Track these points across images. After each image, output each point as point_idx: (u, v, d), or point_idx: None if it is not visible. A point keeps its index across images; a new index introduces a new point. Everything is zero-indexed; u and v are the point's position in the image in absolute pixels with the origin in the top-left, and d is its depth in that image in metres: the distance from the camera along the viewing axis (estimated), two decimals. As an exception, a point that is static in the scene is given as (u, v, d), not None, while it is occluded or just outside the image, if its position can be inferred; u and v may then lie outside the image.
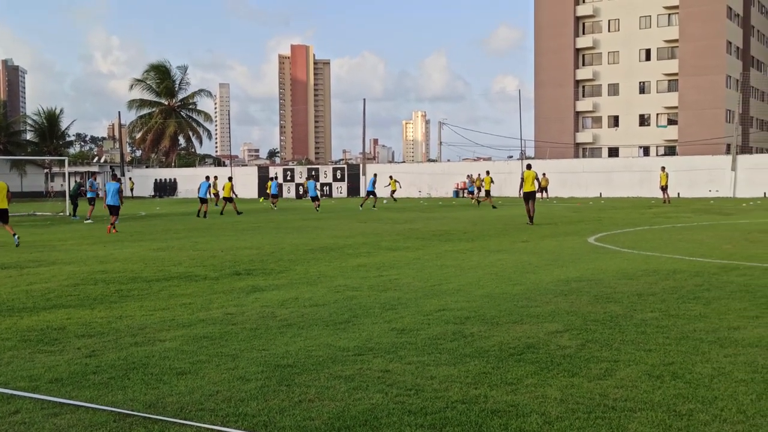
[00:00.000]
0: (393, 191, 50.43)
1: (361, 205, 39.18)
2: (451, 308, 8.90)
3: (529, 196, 23.97)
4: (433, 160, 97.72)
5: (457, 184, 60.45)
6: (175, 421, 4.91)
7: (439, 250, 16.01)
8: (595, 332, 7.44)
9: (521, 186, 24.26)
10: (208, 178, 37.08)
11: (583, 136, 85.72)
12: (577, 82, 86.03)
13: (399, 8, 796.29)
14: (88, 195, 33.80)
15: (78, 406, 5.25)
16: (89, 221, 29.69)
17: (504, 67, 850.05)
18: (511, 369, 6.09)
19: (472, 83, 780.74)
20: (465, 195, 58.75)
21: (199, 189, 34.57)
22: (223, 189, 36.14)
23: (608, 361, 6.30)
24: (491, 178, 41.71)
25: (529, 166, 25.32)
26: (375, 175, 43.07)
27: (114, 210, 24.36)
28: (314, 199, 39.13)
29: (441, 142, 76.08)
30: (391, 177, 52.68)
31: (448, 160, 74.62)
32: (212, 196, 38.32)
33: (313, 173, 66.77)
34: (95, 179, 27.65)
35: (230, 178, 37.35)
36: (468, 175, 57.06)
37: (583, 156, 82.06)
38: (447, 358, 6.47)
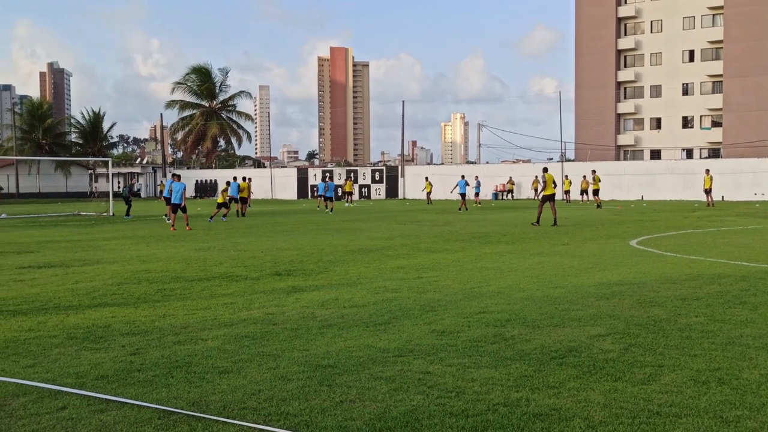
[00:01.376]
0: (428, 193, 50.49)
1: (459, 209, 39.09)
2: (492, 311, 8.86)
3: (548, 198, 24.69)
4: (472, 162, 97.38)
5: (497, 186, 60.12)
6: (218, 419, 4.96)
7: (478, 253, 15.94)
8: (639, 336, 7.34)
9: (543, 189, 24.92)
10: (235, 179, 37.37)
11: (625, 139, 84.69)
12: (619, 84, 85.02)
13: (433, 10, 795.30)
14: (165, 195, 34.02)
15: (123, 403, 5.33)
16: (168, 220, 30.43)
17: (541, 69, 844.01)
18: (553, 372, 6.04)
19: (509, 85, 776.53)
20: (506, 197, 58.45)
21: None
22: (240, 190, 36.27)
23: (652, 366, 6.21)
24: (599, 177, 41.35)
25: (546, 169, 25.92)
26: (463, 176, 43.50)
27: (180, 208, 25.82)
28: (328, 199, 39.67)
29: (480, 144, 75.81)
30: (426, 179, 52.78)
31: (487, 162, 74.33)
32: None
33: (328, 175, 66.98)
34: (177, 180, 28.23)
35: (248, 179, 37.27)
36: (509, 178, 56.92)
37: (624, 158, 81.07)
38: (488, 361, 6.44)
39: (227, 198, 32.34)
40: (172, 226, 25.39)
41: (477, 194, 48.56)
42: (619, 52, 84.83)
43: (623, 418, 4.91)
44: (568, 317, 8.39)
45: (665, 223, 25.60)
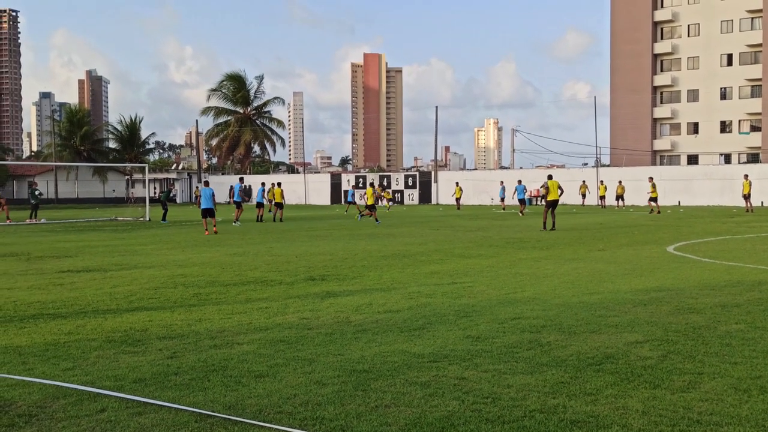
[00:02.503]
0: (458, 198, 50.43)
1: (521, 212, 39.48)
2: (527, 317, 8.80)
3: (552, 205, 25.27)
4: (506, 168, 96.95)
5: (530, 192, 59.74)
6: (255, 423, 4.98)
7: (512, 258, 15.85)
8: (677, 343, 7.23)
9: (546, 195, 25.57)
10: (263, 184, 37.75)
11: (661, 144, 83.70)
12: (655, 88, 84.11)
13: (464, 14, 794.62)
14: (235, 199, 34.58)
15: (161, 406, 5.38)
16: (237, 224, 31.53)
17: (573, 73, 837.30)
18: (590, 379, 5.98)
19: (542, 89, 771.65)
20: (540, 203, 58.06)
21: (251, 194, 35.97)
22: (273, 195, 36.48)
23: (692, 374, 6.12)
24: (655, 184, 40.43)
25: (550, 177, 26.65)
26: (520, 181, 43.62)
27: (210, 213, 26.44)
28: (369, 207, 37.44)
29: (514, 149, 75.41)
30: (456, 184, 52.81)
31: (521, 168, 73.92)
32: (267, 201, 38.81)
33: (361, 181, 67.09)
34: (244, 184, 28.89)
35: (279, 184, 37.51)
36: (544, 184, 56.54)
37: (661, 164, 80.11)
38: (524, 367, 6.39)
39: (268, 201, 33.24)
40: (206, 230, 25.93)
41: (502, 199, 48.39)
42: (655, 56, 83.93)
43: (662, 426, 4.84)
44: (604, 324, 8.30)
45: (703, 229, 25.23)
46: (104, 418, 5.15)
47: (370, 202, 33.49)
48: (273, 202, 36.84)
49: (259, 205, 35.08)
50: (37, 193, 39.37)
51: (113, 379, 6.17)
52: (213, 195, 27.06)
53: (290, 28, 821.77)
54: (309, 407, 5.33)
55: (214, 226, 26.22)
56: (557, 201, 25.41)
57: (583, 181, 53.06)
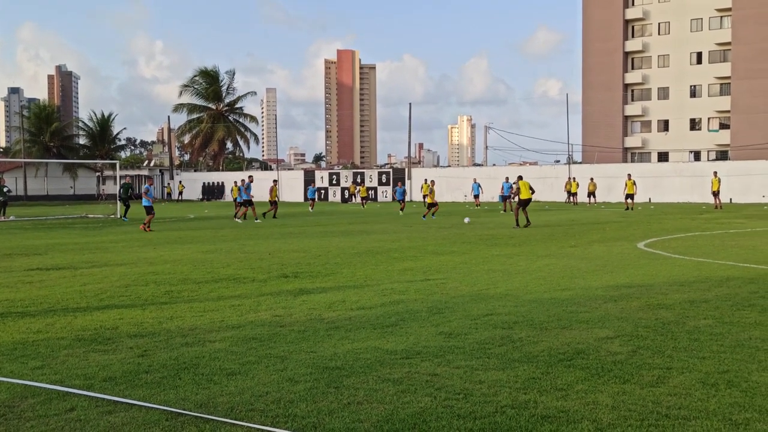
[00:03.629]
0: (425, 195, 50.61)
1: (477, 205, 39.47)
2: (499, 313, 8.85)
3: (524, 203, 25.59)
4: (479, 165, 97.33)
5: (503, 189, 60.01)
6: (226, 420, 4.96)
7: (485, 255, 15.92)
8: (647, 339, 7.32)
9: (517, 194, 25.95)
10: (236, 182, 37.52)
11: (632, 141, 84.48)
12: (626, 86, 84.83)
13: (437, 12, 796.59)
14: (244, 197, 33.05)
15: (131, 405, 5.34)
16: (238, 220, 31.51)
17: (545, 70, 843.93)
18: (560, 375, 6.03)
19: (514, 87, 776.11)
20: (513, 199, 58.35)
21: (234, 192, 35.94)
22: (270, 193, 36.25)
23: (661, 368, 6.19)
24: (634, 182, 40.27)
25: (521, 177, 27.03)
26: (507, 179, 44.08)
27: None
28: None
29: (487, 147, 75.75)
30: (425, 180, 52.98)
31: (494, 165, 74.23)
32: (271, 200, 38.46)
33: (334, 178, 67.01)
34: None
35: (275, 182, 37.58)
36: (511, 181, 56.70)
37: (632, 161, 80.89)
38: (495, 363, 6.42)
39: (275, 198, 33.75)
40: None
41: (476, 196, 48.63)
42: (626, 54, 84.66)
43: (632, 420, 4.89)
44: (575, 319, 8.37)
45: (673, 225, 25.53)
46: (74, 417, 5.09)
47: (430, 200, 32.68)
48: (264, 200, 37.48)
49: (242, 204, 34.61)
50: (5, 190, 38.79)
51: (83, 377, 6.11)
52: (146, 192, 27.09)
53: (261, 24, 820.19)
54: (281, 404, 5.32)
55: (147, 224, 25.92)
56: (529, 200, 25.64)
57: (573, 178, 52.58)
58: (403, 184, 44.49)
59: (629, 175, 42.33)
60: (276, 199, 35.53)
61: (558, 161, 72.79)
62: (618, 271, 12.80)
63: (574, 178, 52.34)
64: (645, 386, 5.68)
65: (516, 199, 26.43)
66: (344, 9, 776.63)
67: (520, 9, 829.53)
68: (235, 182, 37.39)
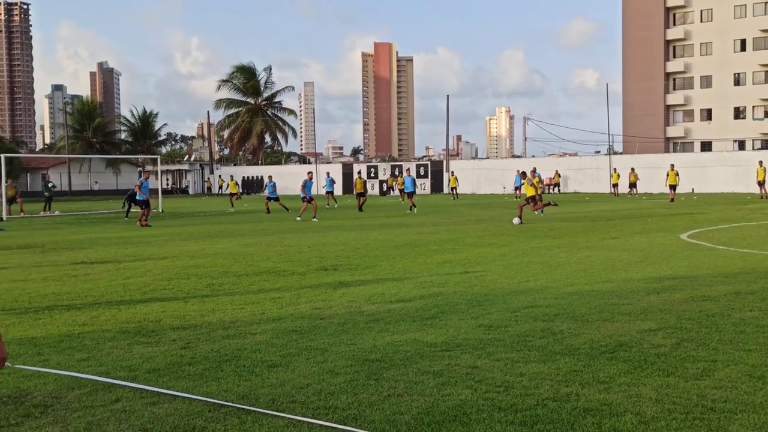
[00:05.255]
0: (453, 188, 50.43)
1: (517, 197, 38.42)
2: (539, 305, 8.78)
3: (532, 199, 24.37)
4: (518, 156, 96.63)
5: (543, 180, 59.54)
6: (268, 412, 5.00)
7: (525, 247, 15.81)
8: (691, 331, 7.20)
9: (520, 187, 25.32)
10: (270, 177, 37.25)
11: (674, 131, 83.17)
12: (668, 75, 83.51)
13: (470, 3, 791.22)
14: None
15: (175, 396, 5.41)
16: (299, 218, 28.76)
17: (582, 60, 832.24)
18: (603, 367, 5.96)
19: (550, 77, 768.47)
20: (552, 191, 57.88)
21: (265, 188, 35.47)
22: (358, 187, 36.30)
23: (705, 361, 6.09)
24: (677, 172, 39.40)
25: (534, 170, 26.99)
26: (518, 171, 43.17)
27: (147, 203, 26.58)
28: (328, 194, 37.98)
29: (526, 138, 75.14)
30: (452, 173, 52.91)
31: (533, 156, 73.67)
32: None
33: (324, 171, 66.97)
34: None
35: (359, 173, 37.51)
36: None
37: (674, 151, 79.63)
38: (536, 355, 6.38)
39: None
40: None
41: (518, 188, 48.17)
42: (667, 42, 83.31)
43: (676, 413, 4.82)
44: (617, 312, 8.27)
45: (717, 216, 25.08)
46: (119, 408, 5.18)
47: (530, 193, 30.47)
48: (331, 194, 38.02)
49: (275, 199, 34.40)
50: (50, 185, 39.57)
51: (127, 369, 6.20)
52: (141, 185, 26.80)
53: (294, 18, 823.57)
54: (322, 396, 5.34)
55: (140, 219, 26.11)
56: (534, 197, 24.33)
57: (614, 169, 51.51)
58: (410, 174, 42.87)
59: (672, 165, 41.56)
60: (363, 190, 35.11)
61: (598, 152, 71.96)
62: (661, 263, 12.61)
63: (615, 169, 51.72)
64: (689, 379, 5.59)
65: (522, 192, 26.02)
66: (376, 1, 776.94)
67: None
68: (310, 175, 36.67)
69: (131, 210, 33.03)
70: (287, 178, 69.21)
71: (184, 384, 5.74)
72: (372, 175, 68.65)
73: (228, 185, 45.62)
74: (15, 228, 26.42)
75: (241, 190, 37.09)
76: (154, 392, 5.52)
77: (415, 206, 33.81)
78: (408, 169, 43.36)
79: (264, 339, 7.25)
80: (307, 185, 29.76)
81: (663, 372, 5.80)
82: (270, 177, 37.24)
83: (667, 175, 39.50)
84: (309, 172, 32.26)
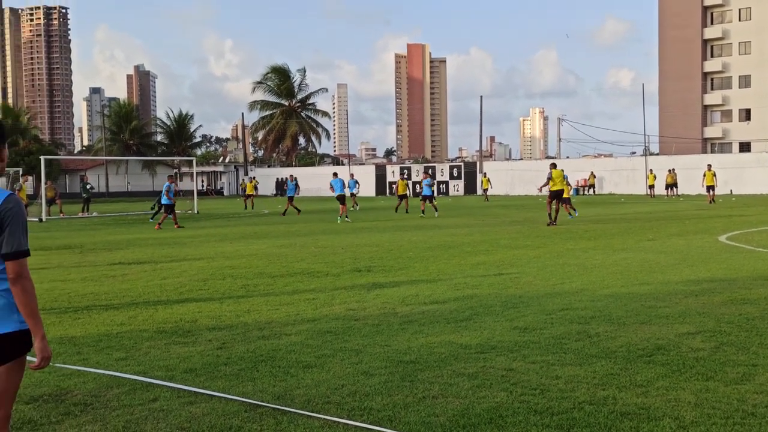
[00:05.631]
0: (485, 189, 50.15)
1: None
2: (575, 308, 8.71)
3: (556, 195, 23.28)
4: (552, 157, 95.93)
5: (578, 182, 59.09)
6: (303, 413, 5.02)
7: (560, 249, 15.70)
8: (730, 335, 7.09)
9: (546, 184, 23.54)
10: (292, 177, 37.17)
11: (712, 131, 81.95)
12: (705, 75, 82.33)
13: (503, 4, 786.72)
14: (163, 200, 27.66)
15: (211, 396, 5.46)
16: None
17: (616, 60, 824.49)
18: (640, 371, 5.90)
19: (584, 77, 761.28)
20: (587, 192, 57.41)
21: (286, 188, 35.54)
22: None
23: (746, 365, 5.99)
24: (714, 173, 38.32)
25: (554, 165, 24.36)
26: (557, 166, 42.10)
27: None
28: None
29: (560, 139, 74.63)
30: (484, 175, 52.72)
31: (567, 157, 73.10)
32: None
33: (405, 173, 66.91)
34: (173, 182, 26.63)
35: (402, 176, 36.58)
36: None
37: (712, 151, 78.46)
38: (572, 358, 6.33)
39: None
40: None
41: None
42: (705, 41, 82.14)
43: (716, 418, 4.75)
44: (655, 314, 8.17)
45: (756, 218, 24.66)
46: (157, 407, 5.24)
47: (566, 195, 27.11)
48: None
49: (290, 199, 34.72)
50: (88, 187, 40.16)
51: (165, 369, 6.27)
52: (167, 190, 26.61)
53: (326, 19, 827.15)
54: (357, 397, 5.36)
55: (159, 222, 26.09)
56: (561, 192, 23.47)
57: (672, 170, 50.42)
58: (433, 176, 40.80)
59: (709, 165, 40.66)
60: (405, 193, 34.37)
61: (634, 153, 71.20)
62: (699, 265, 12.44)
63: (651, 170, 51.12)
64: (729, 383, 5.51)
65: (546, 190, 23.91)
66: (408, 2, 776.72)
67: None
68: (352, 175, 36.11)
69: (158, 213, 32.91)
70: (320, 180, 69.43)
71: (221, 384, 5.79)
72: (405, 176, 68.65)
73: (253, 186, 45.38)
74: (54, 229, 26.86)
75: (256, 193, 36.59)
76: (191, 392, 5.57)
77: (430, 210, 31.77)
78: (427, 171, 42.55)
79: (299, 340, 7.29)
80: (336, 184, 29.51)
81: (702, 376, 5.71)
82: (291, 176, 37.34)
83: (704, 176, 38.79)
84: (334, 173, 32.40)
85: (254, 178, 53.46)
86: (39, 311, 3.54)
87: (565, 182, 24.02)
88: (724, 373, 5.77)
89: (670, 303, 8.88)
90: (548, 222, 22.87)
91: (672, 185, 47.95)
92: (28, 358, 3.63)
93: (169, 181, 27.25)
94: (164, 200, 26.69)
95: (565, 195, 26.87)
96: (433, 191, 33.33)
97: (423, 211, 30.89)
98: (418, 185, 66.18)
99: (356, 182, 39.83)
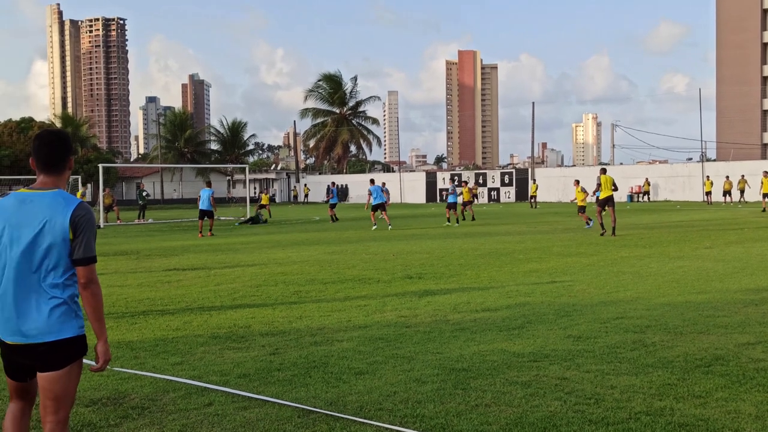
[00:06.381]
0: (533, 196, 49.49)
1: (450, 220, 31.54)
2: (630, 316, 8.57)
3: (606, 202, 21.91)
4: (606, 164, 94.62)
5: (632, 188, 58.15)
6: (356, 419, 5.04)
7: (614, 257, 15.46)
8: (793, 346, 6.89)
9: (596, 190, 22.42)
10: (333, 183, 36.96)
11: (771, 136, 79.89)
12: (765, 79, 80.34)
13: (553, 10, 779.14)
14: (331, 201, 34.99)
15: (265, 401, 5.52)
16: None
17: (670, 65, 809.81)
18: (698, 381, 5.77)
19: (637, 83, 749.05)
20: (642, 199, 56.46)
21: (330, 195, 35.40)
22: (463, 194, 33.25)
23: (809, 377, 5.82)
24: None
25: (604, 170, 23.02)
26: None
27: (208, 214, 25.86)
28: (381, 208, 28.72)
29: (614, 145, 73.55)
30: (533, 181, 52.24)
31: (621, 164, 72.01)
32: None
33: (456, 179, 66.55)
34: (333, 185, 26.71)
35: (465, 183, 35.45)
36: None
37: (772, 157, 76.47)
38: (627, 368, 6.23)
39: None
40: (200, 232, 25.47)
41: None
42: (764, 45, 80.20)
43: (778, 431, 4.62)
44: (713, 324, 7.99)
45: (819, 226, 23.93)
46: (212, 411, 5.31)
47: (580, 203, 26.52)
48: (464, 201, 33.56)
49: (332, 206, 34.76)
50: (144, 194, 40.97)
51: (219, 374, 6.36)
52: (211, 196, 25.87)
53: (375, 28, 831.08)
54: (409, 405, 5.35)
55: (210, 229, 25.73)
56: (610, 198, 21.87)
57: (742, 176, 49.08)
58: (461, 183, 38.51)
59: (765, 172, 39.34)
60: (471, 200, 33.12)
61: (690, 159, 69.80)
62: (759, 274, 12.13)
63: (708, 177, 50.02)
64: (792, 396, 5.36)
65: (595, 197, 22.69)
66: (458, 10, 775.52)
67: (640, 2, 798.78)
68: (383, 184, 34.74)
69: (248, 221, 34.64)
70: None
71: (274, 389, 5.84)
72: (456, 183, 68.45)
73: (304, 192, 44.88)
74: (111, 235, 27.45)
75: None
76: (245, 397, 5.64)
77: (459, 219, 31.27)
78: (453, 179, 41.29)
79: (351, 346, 7.31)
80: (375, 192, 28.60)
81: (763, 388, 5.57)
82: (333, 183, 37.18)
83: (761, 183, 37.43)
84: (371, 180, 31.61)
85: (306, 185, 53.76)
86: (104, 316, 3.64)
87: (613, 188, 22.16)
88: (786, 385, 5.62)
89: (728, 312, 8.67)
90: (600, 231, 21.86)
91: (728, 192, 46.70)
92: (86, 361, 3.72)
93: (208, 187, 26.91)
94: (206, 206, 25.81)
95: (579, 203, 26.33)
96: (457, 200, 31.50)
97: (449, 219, 29.87)
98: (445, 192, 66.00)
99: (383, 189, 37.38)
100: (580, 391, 5.57)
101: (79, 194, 29.21)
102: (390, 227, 27.01)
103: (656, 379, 5.85)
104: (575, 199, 26.60)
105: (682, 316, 8.47)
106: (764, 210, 35.88)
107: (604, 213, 22.46)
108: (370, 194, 28.64)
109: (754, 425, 4.75)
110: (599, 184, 22.25)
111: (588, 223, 25.37)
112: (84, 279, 3.55)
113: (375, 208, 28.34)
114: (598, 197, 22.36)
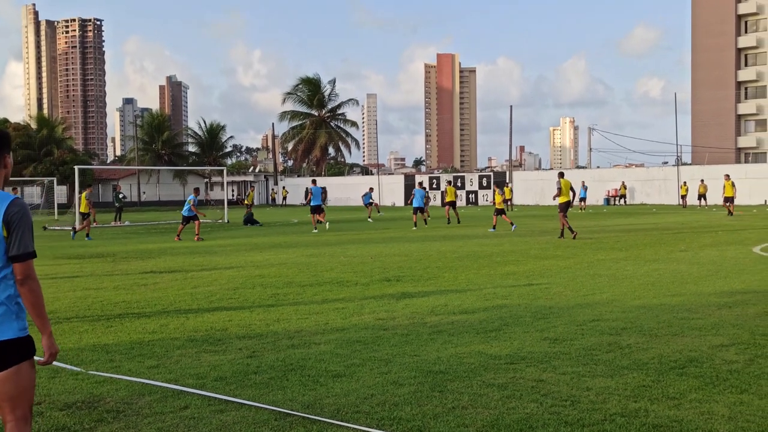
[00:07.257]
0: (508, 199, 49.63)
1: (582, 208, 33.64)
2: (606, 319, 8.64)
3: (565, 208, 21.90)
4: (583, 167, 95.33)
5: (608, 192, 58.62)
6: (332, 422, 5.03)
7: (590, 259, 15.57)
8: (765, 347, 6.98)
9: (556, 195, 22.24)
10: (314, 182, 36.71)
11: (746, 141, 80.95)
12: (739, 84, 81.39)
13: (530, 13, 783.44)
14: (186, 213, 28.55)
15: (242, 404, 5.50)
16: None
17: (646, 69, 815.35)
18: (672, 383, 5.83)
19: (613, 86, 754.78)
20: (618, 202, 56.92)
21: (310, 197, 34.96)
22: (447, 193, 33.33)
23: (781, 379, 5.89)
24: (733, 183, 36.05)
25: (561, 174, 22.89)
26: (583, 183, 41.92)
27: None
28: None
29: (591, 149, 74.10)
30: (507, 185, 52.40)
31: (598, 167, 72.55)
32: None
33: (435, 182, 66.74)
34: (197, 195, 26.15)
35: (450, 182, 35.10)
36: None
37: (746, 161, 77.42)
38: (603, 370, 6.27)
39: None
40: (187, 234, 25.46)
41: (582, 199, 47.50)
42: (739, 50, 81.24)
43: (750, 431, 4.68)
44: (687, 326, 8.07)
45: (791, 229, 24.25)
46: (188, 414, 5.29)
47: (498, 205, 27.19)
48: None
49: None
50: (121, 196, 40.64)
51: (195, 377, 6.32)
52: (191, 201, 25.69)
53: (353, 29, 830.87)
54: (386, 407, 5.36)
55: (197, 233, 25.21)
56: (569, 203, 21.97)
57: (684, 183, 49.49)
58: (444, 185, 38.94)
59: (727, 175, 38.77)
60: (454, 199, 32.79)
61: (666, 162, 70.46)
62: (732, 277, 12.27)
63: (685, 183, 50.55)
64: (764, 396, 5.43)
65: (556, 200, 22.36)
66: (437, 13, 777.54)
67: (617, 5, 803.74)
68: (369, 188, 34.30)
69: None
70: (350, 189, 69.81)
71: (251, 392, 5.82)
72: (434, 186, 68.55)
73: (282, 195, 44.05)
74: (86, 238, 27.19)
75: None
76: (221, 400, 5.61)
77: (420, 223, 30.77)
78: (420, 182, 42.04)
79: (328, 349, 7.31)
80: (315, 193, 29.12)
81: (736, 389, 5.64)
82: (314, 181, 36.57)
83: (723, 186, 36.89)
84: (313, 180, 32.13)
85: (284, 187, 53.59)
86: (46, 311, 3.59)
87: (571, 193, 22.25)
88: (759, 386, 5.69)
89: (703, 315, 8.77)
90: (572, 235, 21.44)
91: (703, 195, 47.30)
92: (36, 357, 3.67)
93: (195, 194, 26.85)
94: (187, 212, 25.73)
95: (498, 206, 26.63)
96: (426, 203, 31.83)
97: (416, 224, 29.63)
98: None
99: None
100: (556, 393, 5.61)
101: (83, 196, 28.72)
102: (363, 225, 27.00)
103: (631, 381, 5.90)
104: (495, 204, 26.75)
105: (657, 319, 8.55)
106: (730, 213, 35.35)
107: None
108: (311, 194, 28.90)
109: (727, 426, 4.80)
110: (560, 189, 21.99)
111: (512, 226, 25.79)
112: (21, 275, 3.50)
113: (314, 210, 28.62)
114: (559, 203, 22.00)
